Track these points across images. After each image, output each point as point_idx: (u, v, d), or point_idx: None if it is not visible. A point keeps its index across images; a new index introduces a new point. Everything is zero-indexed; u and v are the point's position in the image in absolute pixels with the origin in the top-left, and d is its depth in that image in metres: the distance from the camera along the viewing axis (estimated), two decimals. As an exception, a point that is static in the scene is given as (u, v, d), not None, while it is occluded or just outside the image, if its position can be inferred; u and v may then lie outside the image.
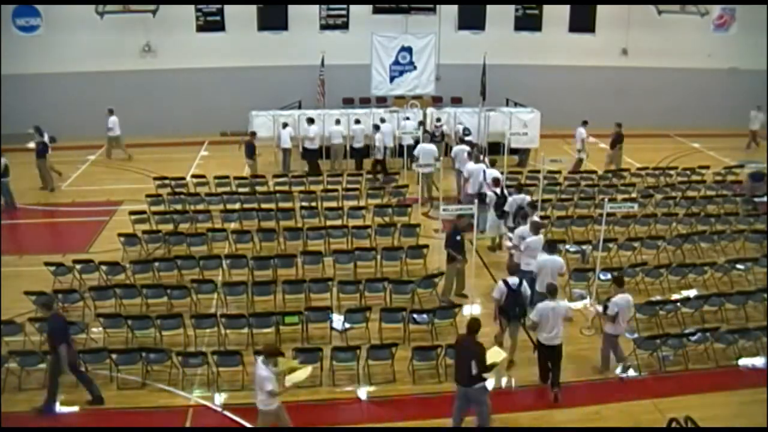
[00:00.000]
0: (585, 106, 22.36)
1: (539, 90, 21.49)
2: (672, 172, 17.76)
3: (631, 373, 9.56)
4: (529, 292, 9.72)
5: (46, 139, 17.83)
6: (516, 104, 20.80)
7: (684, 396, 9.09)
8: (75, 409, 8.88)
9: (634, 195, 15.96)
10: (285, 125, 18.28)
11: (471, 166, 14.58)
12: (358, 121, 18.54)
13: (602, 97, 23.00)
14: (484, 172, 14.16)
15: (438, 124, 18.71)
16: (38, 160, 17.26)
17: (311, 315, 10.40)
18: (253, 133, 17.76)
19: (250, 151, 17.36)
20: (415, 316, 10.36)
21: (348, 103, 21.65)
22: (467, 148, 16.05)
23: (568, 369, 9.67)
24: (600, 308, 9.66)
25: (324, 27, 22.33)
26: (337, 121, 18.45)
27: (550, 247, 10.46)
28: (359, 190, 16.23)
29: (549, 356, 9.10)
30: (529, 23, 23.06)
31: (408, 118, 18.82)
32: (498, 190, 13.27)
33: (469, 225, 12.11)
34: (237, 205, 15.08)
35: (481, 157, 15.66)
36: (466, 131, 18.46)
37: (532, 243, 10.88)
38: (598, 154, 20.08)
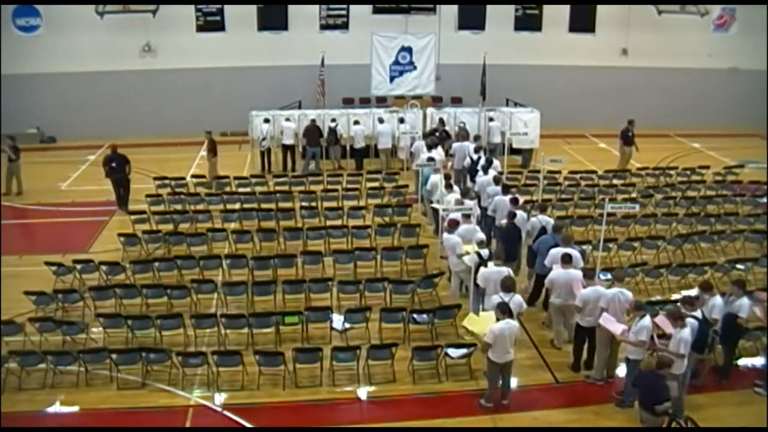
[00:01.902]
0: (585, 106, 22.43)
1: (539, 90, 21.48)
2: (672, 172, 17.75)
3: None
4: None
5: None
6: (516, 104, 20.80)
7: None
8: (75, 409, 8.89)
9: (634, 195, 15.96)
10: (356, 122, 18.49)
11: (456, 144, 16.71)
12: (357, 122, 18.54)
13: (602, 97, 23.00)
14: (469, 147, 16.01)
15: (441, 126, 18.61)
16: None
17: (311, 315, 10.40)
18: (209, 132, 17.47)
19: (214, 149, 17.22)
20: (415, 316, 10.35)
21: (348, 103, 21.65)
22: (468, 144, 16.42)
23: (567, 369, 9.70)
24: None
25: (324, 27, 22.32)
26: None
27: (504, 188, 12.95)
28: (359, 190, 16.23)
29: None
30: (529, 23, 23.05)
31: (402, 120, 18.74)
32: (475, 157, 15.22)
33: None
34: (237, 205, 15.08)
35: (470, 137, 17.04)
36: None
37: (491, 191, 13.29)
38: (597, 154, 20.14)
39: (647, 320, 8.49)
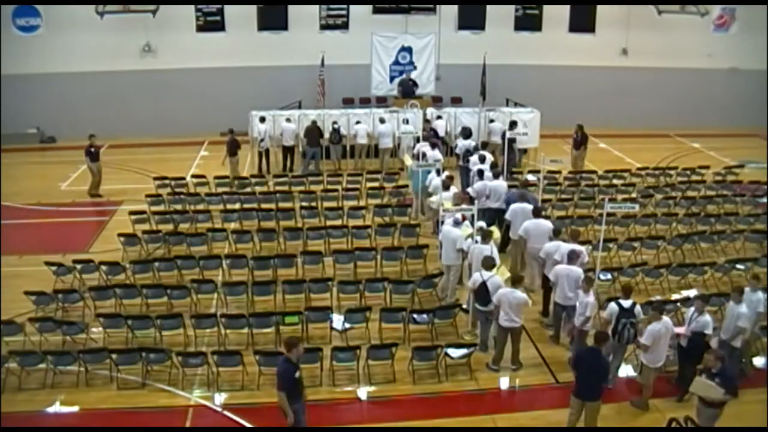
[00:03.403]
0: (585, 106, 22.41)
1: (539, 90, 21.46)
2: (672, 172, 17.75)
3: (631, 373, 9.58)
4: None
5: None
6: (516, 104, 20.80)
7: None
8: (75, 409, 8.89)
9: (634, 195, 15.96)
10: (382, 120, 18.42)
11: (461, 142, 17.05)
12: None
13: (602, 97, 23.00)
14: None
15: (432, 126, 18.43)
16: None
17: (311, 315, 10.41)
18: (231, 130, 17.61)
19: (233, 149, 17.33)
20: (415, 316, 10.35)
21: (348, 103, 21.64)
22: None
23: (568, 369, 9.70)
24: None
25: (324, 27, 22.31)
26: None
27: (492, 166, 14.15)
28: (359, 190, 16.23)
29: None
30: (529, 23, 23.04)
31: (407, 121, 18.73)
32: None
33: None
34: (237, 205, 15.08)
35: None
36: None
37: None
38: (597, 154, 20.16)
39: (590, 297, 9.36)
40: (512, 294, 9.31)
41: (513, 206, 12.15)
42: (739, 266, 12.30)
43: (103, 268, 11.92)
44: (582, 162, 18.36)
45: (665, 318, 8.73)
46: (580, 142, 18.24)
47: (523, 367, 9.75)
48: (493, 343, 9.97)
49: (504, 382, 9.56)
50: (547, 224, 11.44)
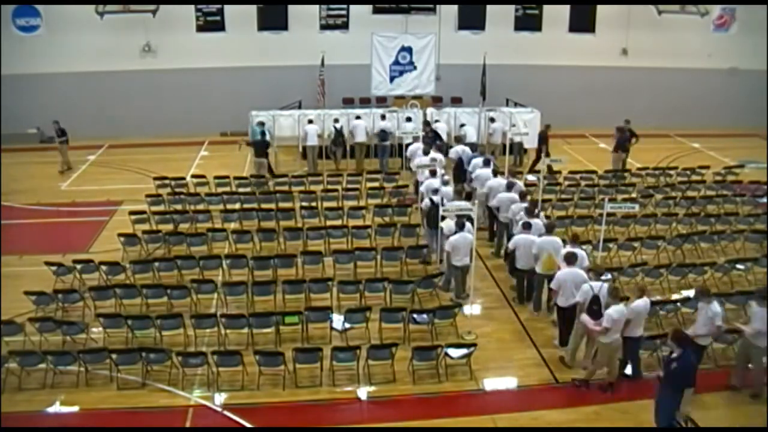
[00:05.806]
0: (585, 106, 22.45)
1: (539, 90, 21.48)
2: (672, 172, 17.75)
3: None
4: None
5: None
6: (516, 104, 20.80)
7: (684, 396, 9.07)
8: (75, 409, 8.90)
9: (634, 195, 15.96)
10: (310, 121, 18.38)
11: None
12: (358, 118, 18.53)
13: (602, 97, 23.01)
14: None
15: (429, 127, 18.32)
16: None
17: (311, 315, 10.41)
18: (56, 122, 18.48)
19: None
20: (415, 316, 10.36)
21: (348, 103, 21.65)
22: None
23: (568, 369, 9.70)
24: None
25: (324, 27, 22.32)
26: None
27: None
28: (359, 190, 16.24)
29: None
30: (529, 23, 23.05)
31: (410, 119, 18.76)
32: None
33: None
34: (237, 205, 15.09)
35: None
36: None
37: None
38: (597, 154, 20.13)
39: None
40: (462, 237, 11.00)
41: (478, 171, 14.07)
42: (739, 266, 12.30)
43: (103, 268, 11.93)
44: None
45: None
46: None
47: (523, 367, 9.78)
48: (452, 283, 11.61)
49: (504, 383, 9.56)
50: (504, 182, 13.27)
